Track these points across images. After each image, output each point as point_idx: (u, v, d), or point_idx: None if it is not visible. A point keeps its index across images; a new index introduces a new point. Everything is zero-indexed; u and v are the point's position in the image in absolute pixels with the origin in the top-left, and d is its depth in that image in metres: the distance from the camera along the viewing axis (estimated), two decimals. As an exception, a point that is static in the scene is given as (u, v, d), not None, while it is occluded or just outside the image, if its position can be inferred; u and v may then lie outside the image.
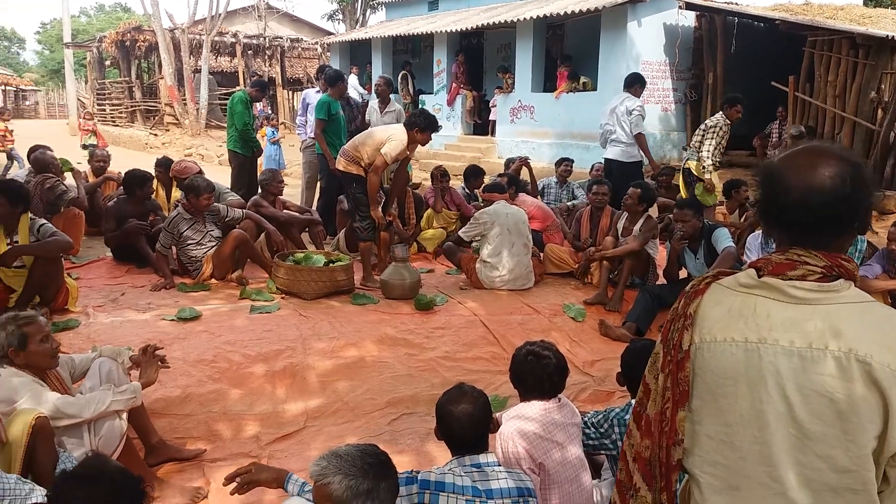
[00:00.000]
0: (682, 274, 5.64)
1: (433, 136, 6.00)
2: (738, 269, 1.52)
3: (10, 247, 4.60)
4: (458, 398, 2.46)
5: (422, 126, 5.71)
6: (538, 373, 2.68)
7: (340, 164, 5.87)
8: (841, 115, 10.62)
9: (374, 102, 8.57)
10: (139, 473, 2.46)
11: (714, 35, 12.88)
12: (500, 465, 2.42)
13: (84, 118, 17.06)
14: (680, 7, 12.50)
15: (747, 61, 12.65)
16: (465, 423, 2.40)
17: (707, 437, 1.43)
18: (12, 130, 13.95)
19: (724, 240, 5.24)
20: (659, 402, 1.49)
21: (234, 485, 2.35)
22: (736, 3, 14.16)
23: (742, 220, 7.09)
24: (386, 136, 5.75)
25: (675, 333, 1.47)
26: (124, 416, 3.05)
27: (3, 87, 40.28)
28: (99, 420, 2.95)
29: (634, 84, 8.05)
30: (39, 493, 2.42)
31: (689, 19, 13.24)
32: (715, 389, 1.41)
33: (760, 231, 5.79)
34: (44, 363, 2.97)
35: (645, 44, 12.79)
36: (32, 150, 7.28)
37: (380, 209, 5.97)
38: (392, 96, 8.81)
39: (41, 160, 6.81)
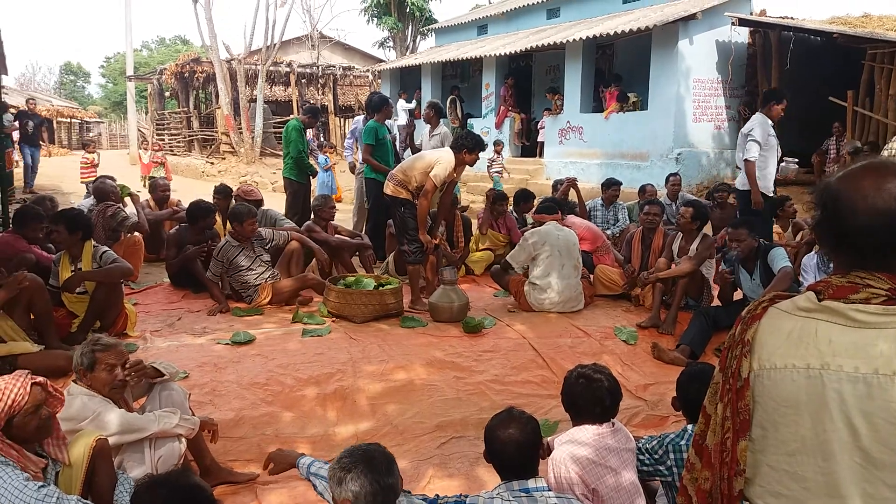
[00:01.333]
0: (738, 295, 5.49)
1: (482, 157, 6.05)
2: (794, 292, 1.46)
3: (73, 273, 4.78)
4: (507, 422, 2.43)
5: (470, 146, 5.76)
6: (590, 396, 2.64)
7: (388, 188, 5.94)
8: (904, 130, 10.27)
9: (426, 129, 8.66)
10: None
11: (769, 51, 12.65)
12: (550, 490, 2.37)
13: (152, 149, 15.93)
14: (733, 24, 12.33)
15: (802, 76, 12.37)
16: (513, 447, 2.37)
17: (769, 468, 1.38)
18: (97, 165, 14.05)
19: (780, 260, 5.09)
20: (719, 432, 1.44)
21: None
22: (791, 18, 13.88)
23: (798, 238, 6.88)
24: (434, 158, 5.81)
25: (734, 361, 1.42)
26: (183, 439, 3.12)
27: (69, 120, 42.09)
28: (160, 440, 3.02)
29: (768, 102, 6.73)
30: (99, 514, 2.49)
31: (742, 35, 13.05)
32: (776, 418, 1.36)
33: (816, 251, 5.61)
34: (103, 391, 3.05)
35: (697, 61, 12.64)
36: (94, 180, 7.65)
37: (427, 233, 6.00)
38: (441, 121, 8.90)
39: (102, 189, 7.08)
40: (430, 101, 9.83)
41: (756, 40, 12.98)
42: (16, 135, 14.29)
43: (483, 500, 2.24)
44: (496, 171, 13.26)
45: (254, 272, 5.91)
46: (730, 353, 1.45)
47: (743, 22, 12.33)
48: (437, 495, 2.50)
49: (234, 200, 7.32)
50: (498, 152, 13.40)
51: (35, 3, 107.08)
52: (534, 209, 6.93)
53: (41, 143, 15.07)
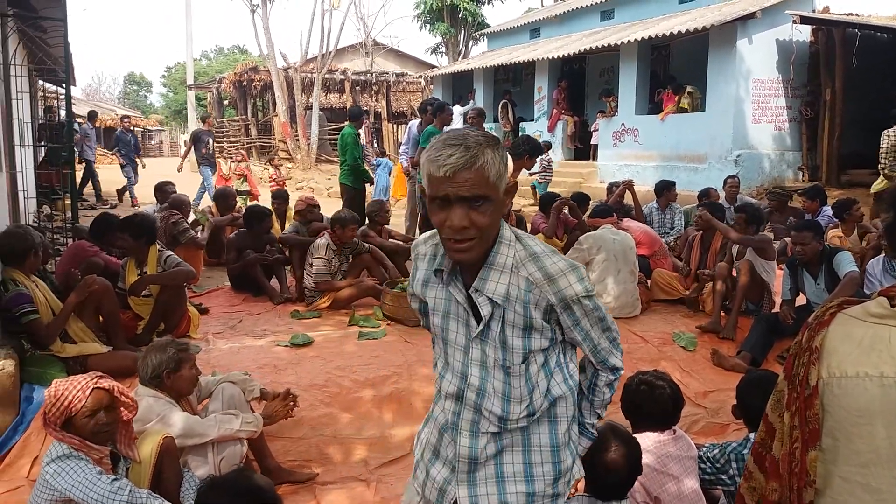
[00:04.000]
0: (801, 300, 5.33)
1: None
2: (862, 298, 1.42)
3: (139, 276, 4.96)
4: (613, 443, 2.26)
5: (530, 152, 5.80)
6: (653, 403, 2.60)
7: None
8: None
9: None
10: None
11: (832, 49, 12.25)
12: None
13: (235, 160, 12.96)
14: (795, 22, 11.99)
15: (868, 74, 11.94)
16: (616, 471, 2.23)
17: (840, 479, 1.34)
18: (281, 180, 13.61)
19: (846, 264, 4.91)
20: (787, 443, 1.41)
21: None
22: (856, 15, 13.42)
23: (864, 244, 6.64)
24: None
25: (801, 369, 1.39)
26: (245, 441, 3.21)
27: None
28: (222, 442, 3.11)
29: None
30: (167, 508, 2.58)
31: (804, 34, 12.67)
32: (848, 428, 1.32)
33: (882, 256, 5.41)
34: (186, 389, 3.22)
35: (756, 61, 12.33)
36: (159, 187, 7.91)
37: None
38: (491, 125, 8.89)
39: (180, 200, 7.38)
40: (476, 107, 9.85)
41: (819, 38, 12.58)
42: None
43: None
44: (542, 176, 13.21)
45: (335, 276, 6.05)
46: (797, 361, 1.41)
47: (805, 20, 11.97)
48: None
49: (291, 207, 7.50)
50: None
51: (100, 16, 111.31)
52: (588, 213, 6.88)
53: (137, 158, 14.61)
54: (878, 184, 8.81)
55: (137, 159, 14.35)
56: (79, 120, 16.69)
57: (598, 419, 1.90)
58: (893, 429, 1.26)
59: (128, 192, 14.19)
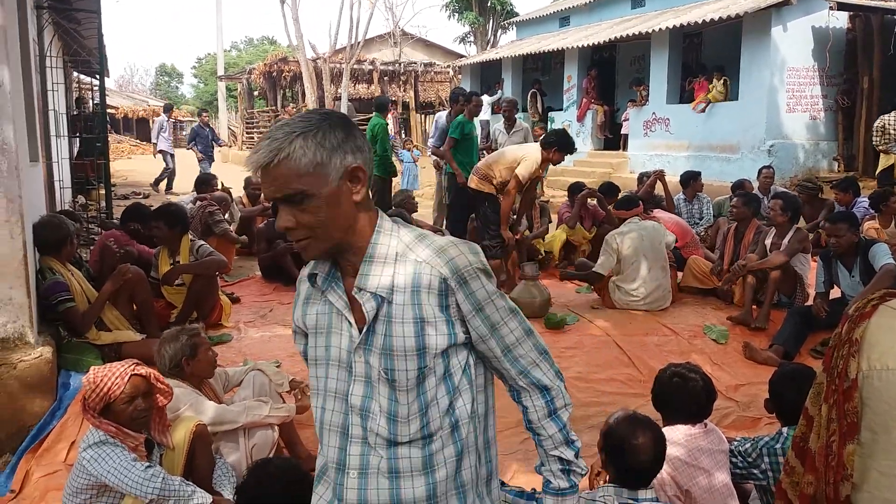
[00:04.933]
0: (835, 293, 5.23)
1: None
2: (899, 290, 1.38)
3: (172, 266, 5.03)
4: (639, 429, 2.28)
5: (559, 146, 5.71)
6: (685, 396, 2.57)
7: (473, 181, 5.97)
8: None
9: (499, 124, 8.62)
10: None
11: (870, 36, 11.95)
12: (658, 502, 2.29)
13: None
14: (831, 8, 11.71)
15: (908, 62, 11.65)
16: (644, 457, 2.23)
17: (879, 473, 1.32)
18: None
19: (882, 256, 4.80)
20: (824, 435, 1.39)
21: None
22: (894, 1, 13.07)
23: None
24: (521, 154, 5.78)
25: (840, 361, 1.37)
26: (276, 427, 3.24)
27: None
28: (253, 428, 3.15)
29: None
30: (201, 494, 2.62)
31: (841, 20, 12.37)
32: (888, 421, 1.29)
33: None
34: (206, 372, 3.26)
35: (791, 49, 12.08)
36: (200, 180, 8.02)
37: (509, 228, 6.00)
38: (520, 115, 8.87)
39: (219, 198, 7.44)
40: (507, 97, 9.80)
41: (856, 25, 12.28)
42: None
43: (585, 502, 2.18)
44: None
45: None
46: (836, 353, 1.39)
47: (842, 6, 11.69)
48: (534, 489, 2.45)
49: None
50: None
51: (133, 8, 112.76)
52: (614, 203, 6.81)
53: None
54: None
55: (217, 149, 14.44)
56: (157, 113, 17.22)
57: (570, 470, 1.56)
58: (935, 424, 1.23)
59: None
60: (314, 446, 3.51)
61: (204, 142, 14.09)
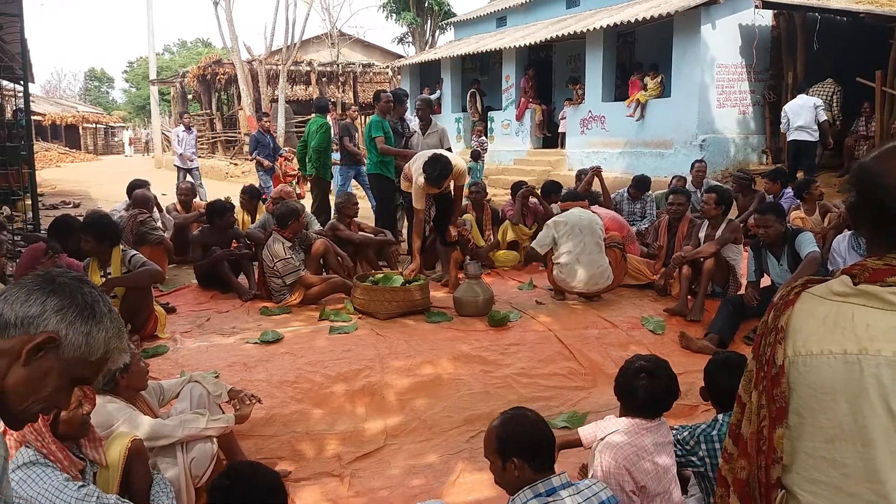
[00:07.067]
0: (766, 281, 5.41)
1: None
2: (826, 276, 1.43)
3: (104, 279, 4.84)
4: (516, 418, 2.35)
5: (426, 175, 5.83)
6: (650, 394, 2.58)
7: (403, 184, 6.25)
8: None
9: (413, 124, 8.29)
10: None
11: (794, 33, 12.42)
12: (580, 482, 2.31)
13: (286, 158, 12.31)
14: (756, 6, 12.11)
15: (829, 58, 12.12)
16: (527, 444, 2.28)
17: (806, 455, 1.35)
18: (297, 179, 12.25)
19: (808, 244, 5.00)
20: (755, 420, 1.42)
21: None
22: (815, -1, 13.61)
23: (826, 223, 6.76)
24: (415, 174, 5.99)
25: (767, 348, 1.40)
26: (215, 439, 3.15)
27: (94, 125, 42.63)
28: (191, 442, 3.06)
29: None
30: (136, 513, 2.52)
31: (766, 18, 12.82)
32: (813, 405, 1.33)
33: (848, 234, 5.51)
34: (140, 384, 3.15)
35: (720, 46, 12.45)
36: (133, 185, 7.66)
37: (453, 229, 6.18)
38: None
39: (142, 197, 7.15)
40: (421, 96, 9.72)
41: (780, 23, 12.75)
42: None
43: None
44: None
45: (294, 274, 5.94)
46: (763, 341, 1.42)
47: (766, 4, 12.09)
48: None
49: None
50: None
51: (59, 11, 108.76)
52: (561, 197, 6.92)
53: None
54: None
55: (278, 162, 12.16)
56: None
57: None
58: (857, 405, 1.27)
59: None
60: (254, 456, 3.45)
61: (266, 150, 11.94)
